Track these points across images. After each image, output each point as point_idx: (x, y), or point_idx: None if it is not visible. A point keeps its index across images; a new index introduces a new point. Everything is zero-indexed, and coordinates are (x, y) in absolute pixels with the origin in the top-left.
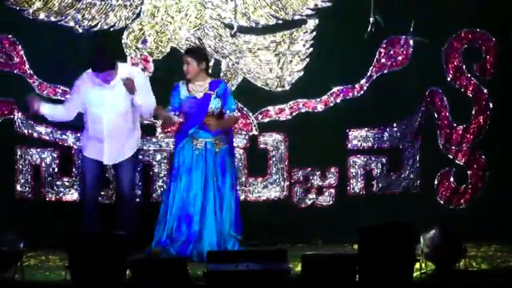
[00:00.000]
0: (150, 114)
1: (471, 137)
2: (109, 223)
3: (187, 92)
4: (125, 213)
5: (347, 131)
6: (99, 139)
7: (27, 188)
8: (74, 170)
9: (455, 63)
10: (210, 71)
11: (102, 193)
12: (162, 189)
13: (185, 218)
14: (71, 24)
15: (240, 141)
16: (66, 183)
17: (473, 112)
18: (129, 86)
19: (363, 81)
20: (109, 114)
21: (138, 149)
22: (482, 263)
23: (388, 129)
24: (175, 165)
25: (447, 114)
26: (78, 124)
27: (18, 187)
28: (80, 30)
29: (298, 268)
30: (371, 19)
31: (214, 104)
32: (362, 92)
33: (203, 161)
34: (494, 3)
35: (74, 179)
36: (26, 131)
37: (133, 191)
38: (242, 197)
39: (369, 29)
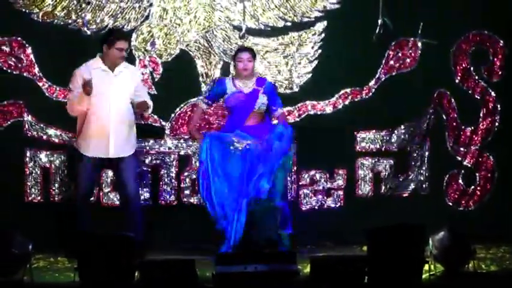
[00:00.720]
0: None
1: (479, 138)
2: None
3: (234, 87)
4: (133, 214)
5: (355, 133)
6: (102, 133)
7: (36, 190)
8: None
9: (464, 65)
10: (218, 74)
11: (111, 195)
12: (172, 190)
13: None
14: (80, 26)
15: None
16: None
17: (481, 114)
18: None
19: (371, 83)
20: (115, 103)
21: (139, 150)
22: (491, 265)
23: (396, 131)
24: (211, 159)
25: (455, 116)
26: None
27: (27, 189)
28: (89, 32)
29: (307, 270)
30: (379, 21)
31: (261, 100)
32: (370, 94)
33: (243, 161)
34: (503, 6)
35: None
36: (35, 134)
37: (138, 191)
38: None
39: (377, 31)
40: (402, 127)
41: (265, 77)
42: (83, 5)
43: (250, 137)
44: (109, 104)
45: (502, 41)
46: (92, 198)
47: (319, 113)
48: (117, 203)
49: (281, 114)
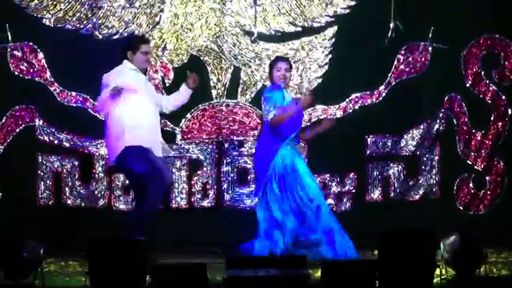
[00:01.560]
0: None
1: (490, 142)
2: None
3: (289, 96)
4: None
5: (365, 137)
6: (148, 131)
7: (47, 195)
8: (94, 176)
9: (474, 69)
10: (229, 79)
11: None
12: (184, 194)
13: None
14: (91, 31)
15: None
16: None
17: (492, 118)
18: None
19: (381, 88)
20: (152, 103)
21: None
22: (503, 269)
23: (406, 136)
24: (280, 168)
25: (466, 120)
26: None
27: (39, 193)
28: (100, 37)
29: (318, 274)
30: (391, 25)
31: None
32: (380, 98)
33: (300, 163)
34: None
35: (95, 185)
36: (47, 138)
37: None
38: None
39: (389, 35)
40: (412, 131)
41: None
42: (95, 10)
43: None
44: (149, 101)
45: None
46: (103, 202)
47: (329, 117)
48: (129, 206)
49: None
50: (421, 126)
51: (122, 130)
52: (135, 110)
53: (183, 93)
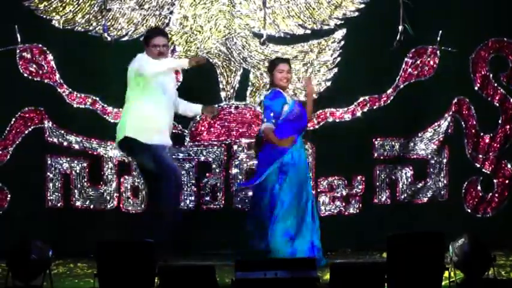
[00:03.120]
0: None
1: (498, 145)
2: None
3: (289, 98)
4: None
5: (373, 140)
6: (165, 121)
7: (56, 197)
8: (103, 178)
9: (483, 73)
10: (238, 81)
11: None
12: (192, 197)
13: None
14: (100, 33)
15: None
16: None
17: (500, 121)
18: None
19: (389, 91)
20: (173, 93)
21: None
22: (511, 272)
23: (414, 139)
24: (288, 164)
25: (474, 123)
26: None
27: (48, 195)
28: (109, 39)
29: (327, 276)
30: (400, 27)
31: None
32: (389, 101)
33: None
34: None
35: (104, 187)
36: (56, 140)
37: None
38: None
39: (398, 37)
40: (420, 134)
41: None
42: (104, 12)
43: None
44: (170, 93)
45: None
46: (112, 204)
47: (337, 120)
48: (138, 208)
49: None
50: (429, 129)
51: (140, 118)
52: (153, 101)
53: (193, 111)
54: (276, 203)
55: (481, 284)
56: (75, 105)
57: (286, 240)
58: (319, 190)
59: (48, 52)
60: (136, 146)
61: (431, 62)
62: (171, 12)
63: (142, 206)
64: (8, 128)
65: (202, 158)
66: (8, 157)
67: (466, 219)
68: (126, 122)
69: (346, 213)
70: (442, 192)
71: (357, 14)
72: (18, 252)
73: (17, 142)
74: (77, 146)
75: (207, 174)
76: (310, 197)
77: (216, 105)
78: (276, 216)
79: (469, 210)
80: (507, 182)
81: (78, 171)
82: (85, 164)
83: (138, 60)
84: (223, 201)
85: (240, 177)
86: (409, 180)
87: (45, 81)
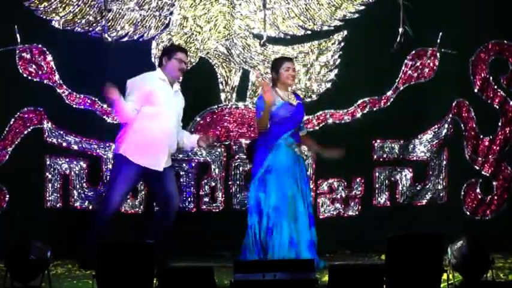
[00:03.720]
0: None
1: (497, 148)
2: (136, 232)
3: (280, 99)
4: (168, 222)
5: (373, 142)
6: (156, 145)
7: (55, 197)
8: (103, 179)
9: (483, 75)
10: (238, 82)
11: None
12: (192, 198)
13: (281, 223)
14: (100, 34)
15: None
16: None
17: (499, 123)
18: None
19: (389, 93)
20: (174, 116)
21: None
22: (510, 274)
23: (414, 141)
24: (267, 166)
25: (474, 125)
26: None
27: (47, 196)
28: (109, 39)
29: (325, 278)
30: (400, 29)
31: (304, 115)
32: (389, 103)
33: (297, 165)
34: None
35: (103, 188)
36: (55, 141)
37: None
38: None
39: (398, 39)
40: (420, 136)
41: (296, 93)
42: (104, 13)
43: (295, 141)
44: (169, 116)
45: None
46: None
47: (337, 121)
48: (137, 209)
49: (305, 136)
50: (429, 131)
51: (138, 141)
52: (153, 122)
53: (190, 142)
54: (263, 211)
55: (480, 286)
56: (74, 106)
57: (289, 247)
58: (318, 192)
59: (47, 53)
60: None
61: (431, 64)
62: (171, 13)
63: (141, 207)
64: (7, 129)
65: (202, 159)
66: (7, 157)
67: (465, 222)
68: None
69: (346, 215)
70: (442, 195)
71: (357, 15)
72: (17, 253)
73: (16, 142)
74: (76, 147)
75: (206, 176)
76: (307, 199)
77: (216, 106)
78: (270, 228)
79: (468, 213)
80: (506, 184)
81: (77, 171)
82: (84, 165)
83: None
84: (222, 203)
85: (240, 178)
86: (409, 182)
87: (45, 81)
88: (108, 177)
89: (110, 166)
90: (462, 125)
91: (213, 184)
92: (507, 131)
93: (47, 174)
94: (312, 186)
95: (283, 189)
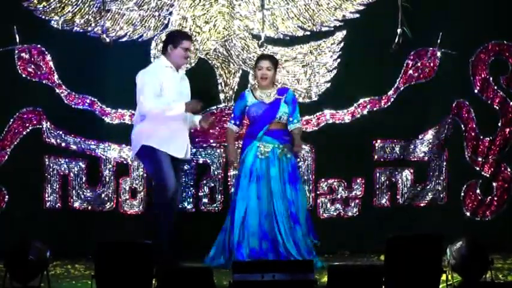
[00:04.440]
0: None
1: (497, 149)
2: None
3: (254, 98)
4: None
5: (373, 142)
6: (179, 132)
7: (54, 198)
8: (101, 179)
9: (483, 76)
10: (237, 83)
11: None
12: (191, 198)
13: (254, 231)
14: (99, 34)
15: None
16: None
17: (499, 124)
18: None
19: (389, 93)
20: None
21: None
22: (509, 275)
23: (414, 141)
24: (241, 172)
25: (474, 126)
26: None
27: (46, 196)
28: (108, 40)
29: (324, 279)
30: (399, 30)
31: (284, 109)
32: (389, 103)
33: (271, 167)
34: None
35: (102, 189)
36: (54, 141)
37: None
38: None
39: (396, 40)
40: (420, 137)
41: (286, 87)
42: (103, 13)
43: (275, 141)
44: (180, 101)
45: None
46: (110, 205)
47: (337, 122)
48: (136, 210)
49: (297, 128)
50: (429, 132)
51: (149, 127)
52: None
53: (193, 122)
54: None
55: (479, 287)
56: (73, 106)
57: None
58: (318, 192)
59: (46, 53)
60: None
61: (432, 64)
62: (170, 13)
63: (141, 207)
64: (6, 129)
65: (201, 160)
66: (6, 158)
67: (465, 223)
68: None
69: (346, 215)
70: (442, 195)
71: (356, 15)
72: (16, 253)
73: (15, 143)
74: (75, 147)
75: (206, 176)
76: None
77: (215, 107)
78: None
79: (468, 214)
80: (506, 185)
81: (76, 172)
82: (83, 165)
83: (141, 77)
84: (221, 203)
85: None
86: (409, 182)
87: (44, 81)
88: (145, 172)
89: (142, 164)
90: (462, 126)
91: (212, 185)
92: (507, 132)
93: (46, 174)
94: (311, 187)
95: (248, 193)
